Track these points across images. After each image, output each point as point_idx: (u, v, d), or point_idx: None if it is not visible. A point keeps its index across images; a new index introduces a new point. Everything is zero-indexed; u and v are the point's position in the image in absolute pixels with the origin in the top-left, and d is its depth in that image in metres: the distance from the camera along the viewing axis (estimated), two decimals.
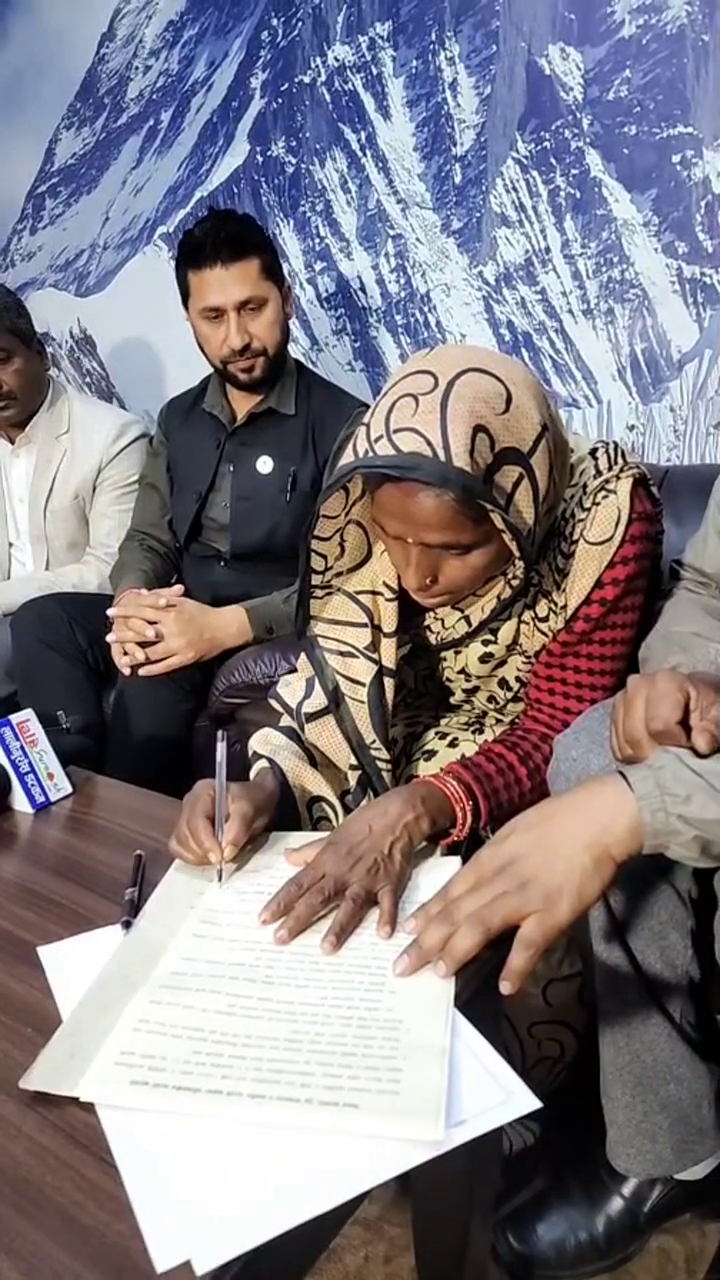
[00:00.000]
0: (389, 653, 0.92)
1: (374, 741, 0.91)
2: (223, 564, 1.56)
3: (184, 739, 1.40)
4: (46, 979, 0.68)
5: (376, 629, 0.92)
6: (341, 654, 0.93)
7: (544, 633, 0.90)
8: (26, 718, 0.96)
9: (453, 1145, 0.52)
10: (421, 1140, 0.51)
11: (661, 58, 1.46)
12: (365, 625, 0.92)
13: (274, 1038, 0.59)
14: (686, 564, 0.98)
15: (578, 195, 1.57)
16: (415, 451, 0.72)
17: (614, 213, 1.54)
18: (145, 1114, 0.54)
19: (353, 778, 0.93)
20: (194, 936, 0.71)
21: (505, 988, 0.63)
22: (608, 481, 0.84)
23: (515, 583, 0.85)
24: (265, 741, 0.93)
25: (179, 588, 1.47)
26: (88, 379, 2.44)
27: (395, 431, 0.73)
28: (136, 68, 2.13)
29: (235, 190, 2.01)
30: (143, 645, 1.36)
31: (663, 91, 1.46)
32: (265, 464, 1.51)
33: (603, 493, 0.84)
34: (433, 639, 0.97)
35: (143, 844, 0.86)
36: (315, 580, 0.91)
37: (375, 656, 0.92)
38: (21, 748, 0.94)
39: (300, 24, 1.83)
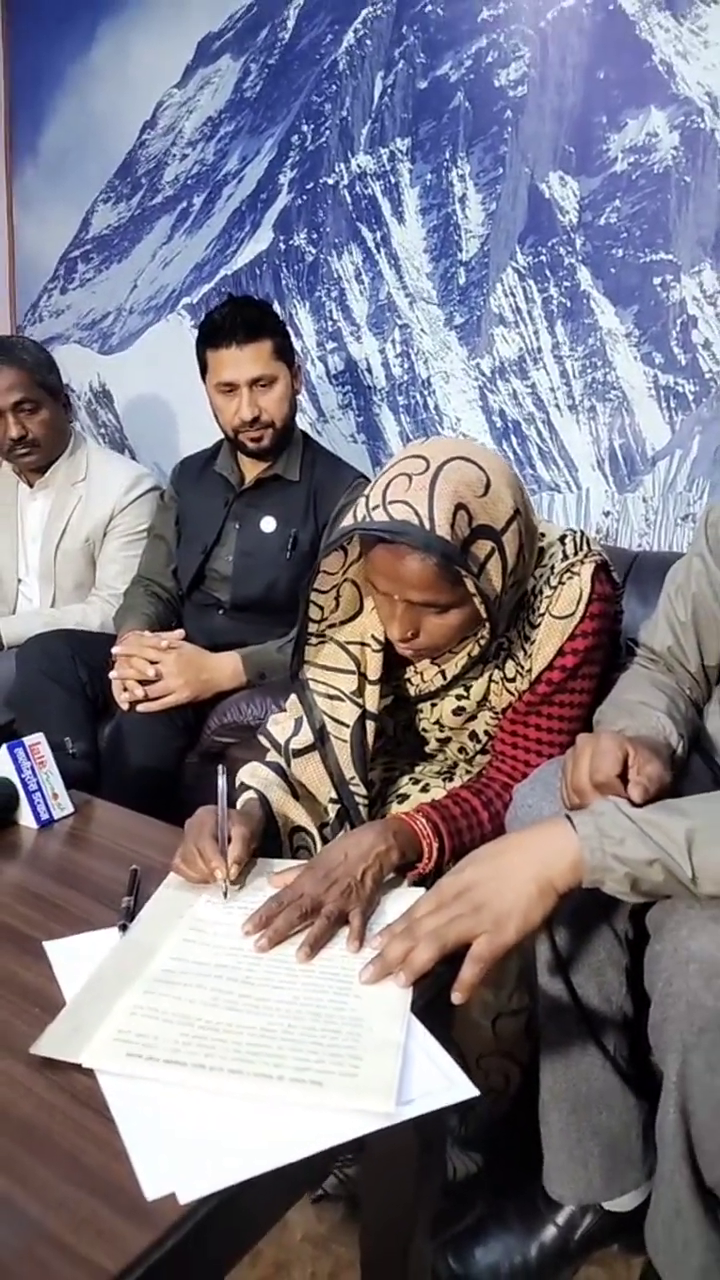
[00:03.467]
0: (372, 698, 1.03)
1: (353, 778, 1.02)
2: (222, 612, 1.67)
3: (175, 773, 1.49)
4: (51, 968, 0.76)
5: (362, 676, 1.03)
6: (330, 697, 1.04)
7: (511, 692, 1.02)
8: (38, 740, 1.06)
9: (402, 1119, 0.61)
10: (376, 1112, 0.61)
11: (649, 192, 1.65)
12: (353, 672, 1.03)
13: (251, 1026, 0.69)
14: (641, 643, 1.11)
15: (568, 305, 1.75)
16: (405, 520, 0.85)
17: (600, 323, 1.72)
18: (138, 1081, 0.63)
19: (332, 810, 1.03)
20: (184, 941, 0.80)
21: (456, 997, 0.72)
22: (573, 565, 0.97)
23: (483, 642, 0.97)
24: (253, 774, 1.03)
25: (180, 631, 1.58)
26: (103, 430, 2.58)
27: (390, 503, 0.86)
28: (174, 155, 2.33)
29: (258, 272, 2.19)
30: (143, 683, 1.47)
31: (648, 221, 1.65)
32: (269, 524, 1.64)
33: (569, 574, 0.97)
34: (412, 690, 1.08)
35: (137, 860, 0.95)
36: (311, 628, 1.03)
37: (360, 701, 1.03)
38: (32, 768, 1.04)
39: (328, 132, 2.03)
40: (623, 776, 0.80)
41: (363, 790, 1.02)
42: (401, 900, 0.86)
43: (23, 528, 1.91)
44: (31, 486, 1.90)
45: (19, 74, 2.60)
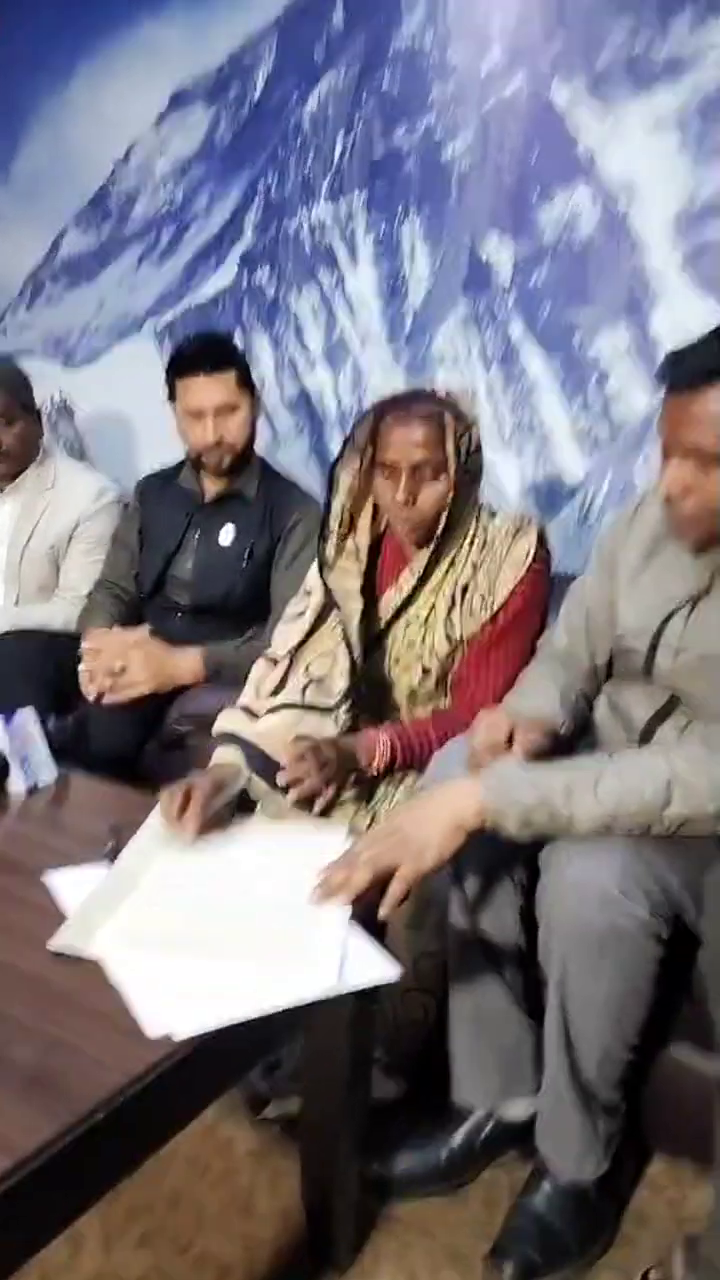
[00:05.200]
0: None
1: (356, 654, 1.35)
2: (181, 616, 1.85)
3: (133, 760, 1.66)
4: (49, 894, 0.94)
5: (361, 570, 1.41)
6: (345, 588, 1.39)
7: (476, 622, 1.34)
8: (27, 716, 1.22)
9: (344, 990, 0.81)
10: (323, 982, 0.80)
11: (572, 259, 1.91)
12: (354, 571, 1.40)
13: (225, 923, 0.88)
14: (543, 643, 1.34)
15: (501, 352, 2.00)
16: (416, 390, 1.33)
17: (528, 369, 1.97)
18: (134, 962, 0.81)
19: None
20: (167, 863, 0.98)
21: (383, 912, 0.92)
22: (523, 527, 1.36)
23: (446, 512, 1.30)
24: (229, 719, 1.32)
25: (145, 628, 1.76)
26: (62, 441, 2.74)
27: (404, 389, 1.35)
28: (145, 191, 2.53)
29: (221, 304, 2.39)
30: (110, 675, 1.63)
31: (571, 284, 1.91)
32: (227, 535, 1.83)
33: (520, 534, 1.35)
34: (395, 602, 1.39)
35: (114, 816, 1.12)
36: (332, 525, 1.38)
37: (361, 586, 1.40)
38: (21, 739, 1.20)
39: (291, 183, 2.26)
40: (510, 743, 1.03)
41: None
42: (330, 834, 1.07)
43: None
44: (1, 493, 2.05)
45: None
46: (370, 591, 1.43)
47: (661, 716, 1.16)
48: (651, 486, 1.26)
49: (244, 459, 1.84)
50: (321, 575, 1.40)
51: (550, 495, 1.98)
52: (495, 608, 1.33)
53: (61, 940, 0.84)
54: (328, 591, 1.38)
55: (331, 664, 1.37)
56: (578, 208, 1.89)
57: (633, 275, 1.83)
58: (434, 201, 2.06)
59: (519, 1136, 1.20)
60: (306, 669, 1.37)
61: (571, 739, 1.18)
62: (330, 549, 1.40)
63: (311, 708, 1.33)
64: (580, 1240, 1.09)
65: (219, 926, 0.87)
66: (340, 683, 1.35)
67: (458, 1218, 1.15)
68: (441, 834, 0.94)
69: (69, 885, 0.95)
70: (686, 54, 1.74)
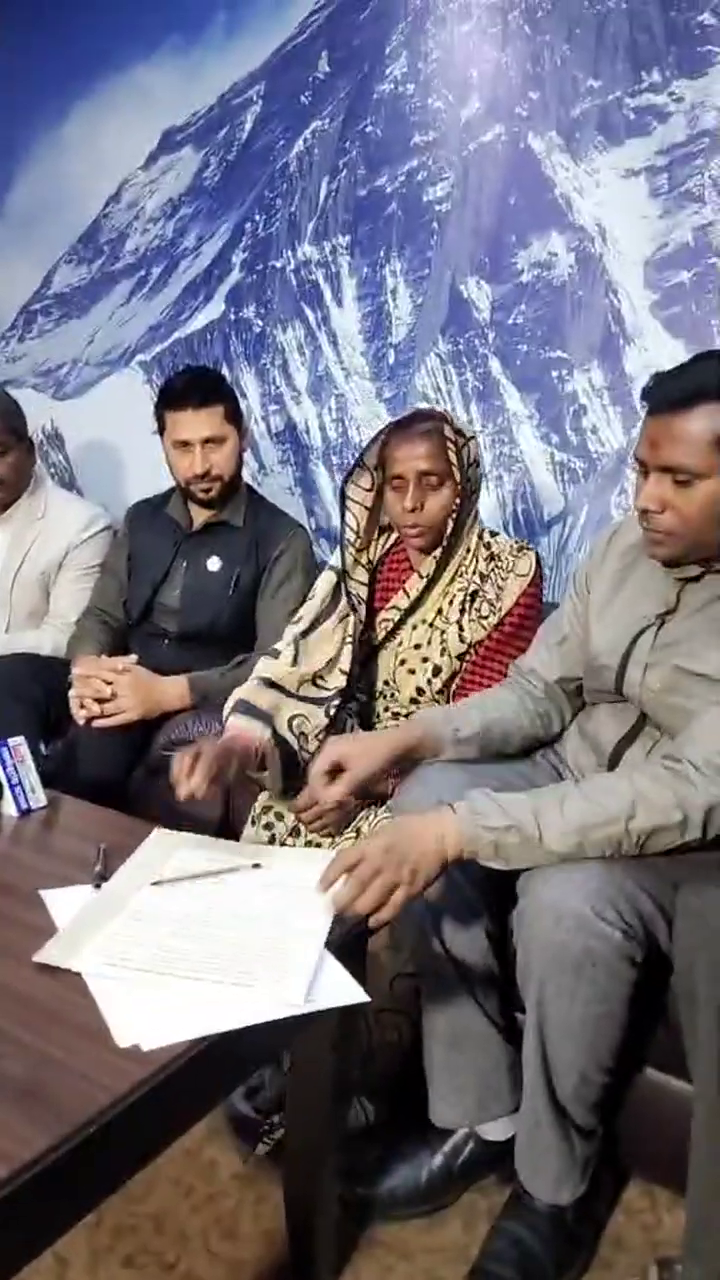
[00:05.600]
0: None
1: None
2: (168, 642, 1.89)
3: (121, 784, 1.68)
4: (43, 910, 0.97)
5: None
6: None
7: (484, 627, 1.46)
8: (20, 742, 1.25)
9: (310, 1010, 0.84)
10: (290, 1002, 0.83)
11: (548, 301, 1.98)
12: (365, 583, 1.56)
13: (203, 949, 0.91)
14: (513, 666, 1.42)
15: (481, 388, 2.06)
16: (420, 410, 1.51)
17: (507, 405, 2.03)
18: (113, 980, 0.84)
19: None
20: (152, 889, 1.01)
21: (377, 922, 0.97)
22: (524, 548, 1.52)
23: (453, 519, 1.45)
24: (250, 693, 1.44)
25: (133, 656, 1.79)
26: (52, 470, 2.79)
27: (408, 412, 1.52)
28: (136, 228, 2.60)
29: (209, 337, 2.45)
30: (99, 701, 1.67)
31: (547, 325, 1.98)
32: (214, 563, 1.88)
33: (522, 552, 1.51)
34: (401, 606, 1.51)
35: (102, 839, 1.15)
36: (350, 537, 1.52)
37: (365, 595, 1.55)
38: (14, 765, 1.23)
39: (278, 223, 2.33)
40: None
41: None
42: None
43: None
44: None
45: None
46: (369, 604, 1.57)
47: (629, 739, 1.21)
48: (625, 518, 1.32)
49: (231, 489, 1.89)
50: (344, 582, 1.54)
51: (529, 526, 2.04)
52: (502, 614, 1.47)
53: (46, 954, 0.87)
54: (348, 595, 1.52)
55: (330, 664, 1.51)
56: (554, 251, 1.97)
57: (607, 316, 1.90)
58: (416, 243, 2.14)
59: (498, 1159, 1.22)
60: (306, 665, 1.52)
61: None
62: (349, 558, 1.54)
63: (305, 699, 1.47)
64: (558, 1263, 1.11)
65: (196, 948, 0.89)
66: (336, 680, 1.49)
67: (437, 1241, 1.17)
68: (429, 860, 0.98)
69: (61, 903, 0.98)
70: (657, 106, 1.83)
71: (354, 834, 1.33)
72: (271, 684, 1.47)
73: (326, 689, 1.50)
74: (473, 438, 1.49)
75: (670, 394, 1.07)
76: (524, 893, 1.07)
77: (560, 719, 1.35)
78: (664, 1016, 1.12)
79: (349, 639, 1.51)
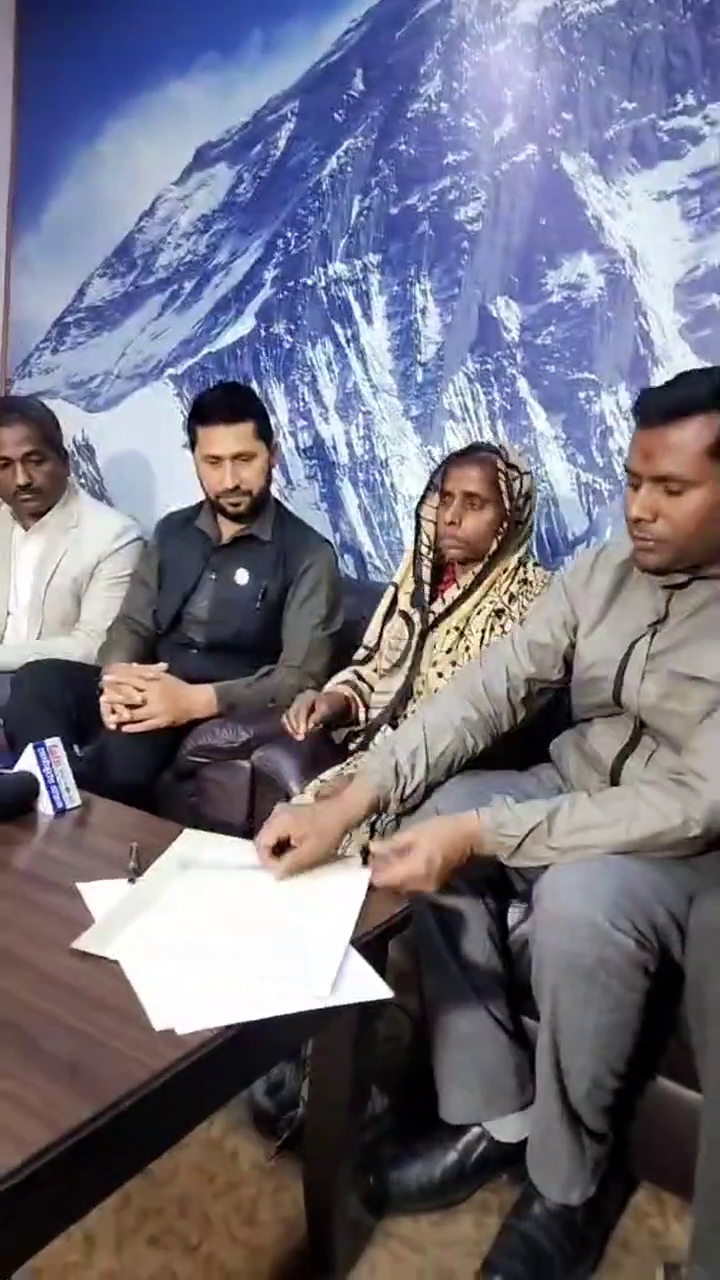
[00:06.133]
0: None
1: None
2: (196, 652, 1.98)
3: (149, 788, 1.77)
4: (79, 901, 1.05)
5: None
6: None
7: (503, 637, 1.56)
8: (56, 743, 1.34)
9: (336, 1004, 0.91)
10: (318, 994, 0.91)
11: (577, 322, 2.06)
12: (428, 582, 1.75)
13: (233, 942, 0.99)
14: None
15: (508, 408, 2.15)
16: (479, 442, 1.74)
17: (534, 425, 2.11)
18: (148, 965, 0.93)
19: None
20: (185, 885, 1.09)
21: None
22: (553, 571, 1.69)
23: (495, 546, 1.65)
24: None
25: (163, 665, 1.88)
26: (83, 480, 2.90)
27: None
28: (169, 243, 2.71)
29: (239, 353, 2.56)
30: (129, 707, 1.76)
31: (576, 346, 2.06)
32: (242, 576, 1.97)
33: (549, 574, 1.67)
34: (437, 610, 1.69)
35: (135, 838, 1.23)
36: (423, 549, 1.73)
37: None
38: (51, 765, 1.32)
39: (310, 240, 2.44)
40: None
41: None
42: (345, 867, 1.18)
43: (15, 566, 2.21)
44: (27, 529, 2.20)
45: (26, 154, 2.98)
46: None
47: (627, 751, 1.30)
48: (613, 540, 1.42)
49: (260, 504, 1.98)
50: (418, 589, 1.75)
51: (554, 545, 2.11)
52: None
53: (84, 942, 0.95)
54: (419, 600, 1.74)
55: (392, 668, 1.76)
56: (584, 273, 2.05)
57: (635, 338, 1.98)
58: (446, 263, 2.23)
59: (510, 1159, 1.29)
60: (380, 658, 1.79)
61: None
62: (423, 568, 1.74)
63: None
64: (567, 1262, 1.18)
65: (225, 941, 0.97)
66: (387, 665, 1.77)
67: (449, 1235, 1.24)
68: (455, 867, 1.10)
69: (96, 895, 1.07)
70: (691, 129, 1.90)
71: (378, 834, 1.41)
72: (360, 675, 1.81)
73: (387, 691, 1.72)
74: (527, 473, 1.69)
75: (663, 406, 1.16)
76: (539, 901, 1.15)
77: (512, 718, 1.42)
78: (676, 1026, 1.19)
79: (395, 640, 1.74)
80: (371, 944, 1.05)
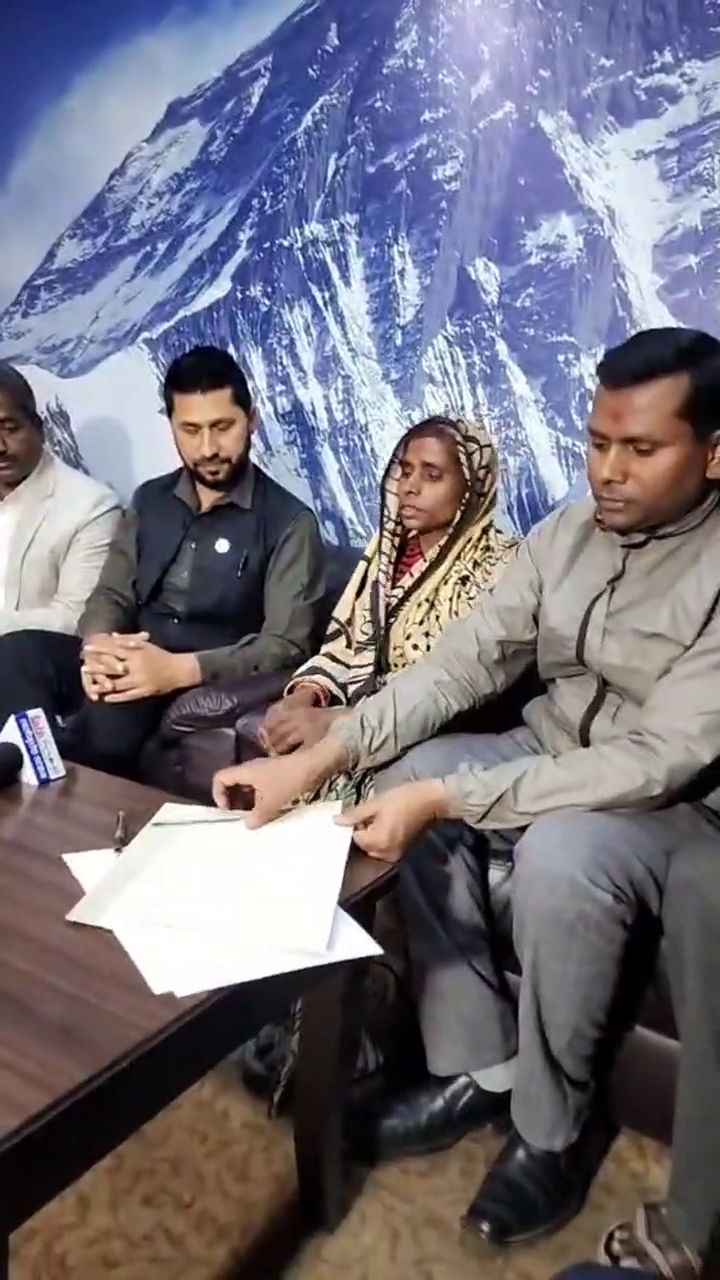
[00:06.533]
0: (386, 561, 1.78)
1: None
2: (177, 622, 1.98)
3: (134, 758, 1.78)
4: (68, 872, 1.06)
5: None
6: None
7: (470, 607, 1.61)
8: (39, 714, 1.35)
9: (329, 960, 0.93)
10: (312, 951, 0.93)
11: (556, 284, 2.05)
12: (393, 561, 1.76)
13: (224, 907, 1.00)
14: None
15: (488, 371, 2.14)
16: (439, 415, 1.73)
17: (513, 389, 2.11)
18: (143, 932, 0.94)
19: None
20: (173, 852, 1.11)
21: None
22: (515, 543, 1.69)
23: (457, 518, 1.66)
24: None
25: (144, 634, 1.88)
26: (58, 448, 2.87)
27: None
28: (141, 203, 2.66)
29: (215, 316, 2.53)
30: (111, 677, 1.76)
31: (555, 308, 2.05)
32: (223, 545, 1.96)
33: (513, 546, 1.69)
34: (405, 585, 1.71)
35: (120, 807, 1.24)
36: (387, 523, 1.74)
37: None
38: (33, 735, 1.33)
39: (285, 200, 2.40)
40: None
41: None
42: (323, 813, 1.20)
43: None
44: (2, 499, 2.17)
45: None
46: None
47: (593, 710, 1.34)
48: (574, 506, 1.46)
49: (238, 472, 1.97)
50: (374, 562, 1.77)
51: (533, 509, 2.12)
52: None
53: (78, 913, 0.97)
54: (380, 572, 1.75)
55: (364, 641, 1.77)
56: (562, 234, 2.04)
57: (614, 300, 1.97)
58: (424, 224, 2.20)
59: (495, 1108, 1.33)
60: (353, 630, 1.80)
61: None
62: (386, 541, 1.76)
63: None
64: (551, 1204, 1.22)
65: (219, 902, 0.99)
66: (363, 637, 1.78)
67: (437, 1185, 1.28)
68: (420, 828, 1.13)
69: (84, 866, 1.08)
70: (668, 87, 1.88)
71: (314, 796, 1.43)
72: (332, 657, 1.81)
73: (363, 665, 1.72)
74: (488, 445, 1.69)
75: (631, 368, 1.18)
76: (519, 859, 1.17)
77: (490, 681, 1.46)
78: (654, 978, 1.23)
79: (367, 613, 1.76)
80: (359, 904, 1.08)
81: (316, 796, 1.41)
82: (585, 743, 1.35)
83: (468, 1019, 1.29)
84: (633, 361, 1.18)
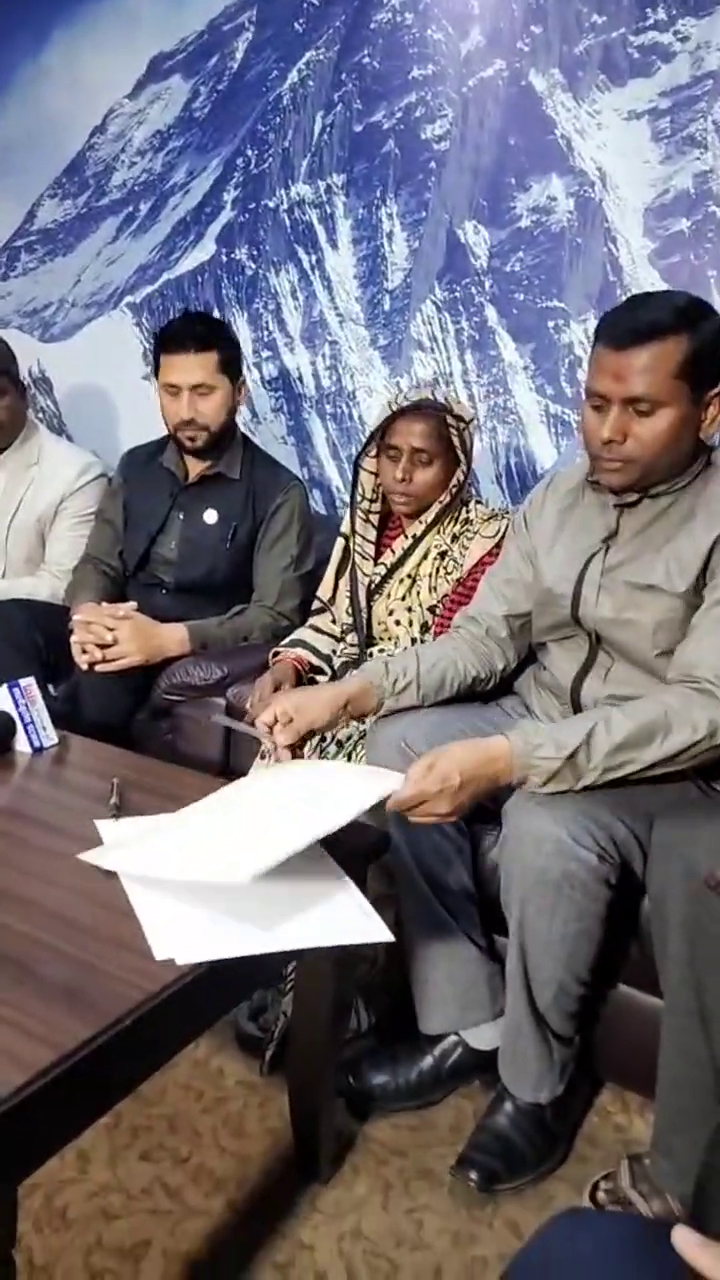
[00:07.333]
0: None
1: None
2: (165, 592, 1.99)
3: (125, 727, 1.80)
4: (69, 838, 1.09)
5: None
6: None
7: (448, 582, 1.66)
8: (31, 682, 1.36)
9: (335, 943, 0.96)
10: (319, 937, 0.96)
11: (547, 248, 2.05)
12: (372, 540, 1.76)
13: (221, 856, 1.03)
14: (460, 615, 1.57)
15: (476, 337, 2.14)
16: (425, 398, 1.64)
17: (502, 355, 2.11)
18: (151, 893, 0.97)
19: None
20: (195, 815, 1.12)
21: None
22: (496, 514, 1.71)
23: (445, 500, 1.67)
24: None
25: (133, 603, 1.89)
26: (41, 415, 2.84)
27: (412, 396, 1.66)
28: (123, 161, 2.62)
29: (200, 280, 2.50)
30: (100, 647, 1.77)
31: (545, 273, 2.05)
32: (211, 516, 1.97)
33: (493, 517, 1.70)
34: (388, 562, 1.71)
35: (113, 774, 1.26)
36: (361, 502, 1.73)
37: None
38: (26, 704, 1.34)
39: (271, 159, 2.37)
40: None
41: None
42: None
43: None
44: None
45: None
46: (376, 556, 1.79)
47: (584, 672, 1.37)
48: (561, 473, 1.50)
49: (221, 440, 1.97)
50: (349, 541, 1.77)
51: (521, 478, 2.13)
52: (464, 571, 1.66)
53: (90, 856, 1.02)
54: (355, 551, 1.75)
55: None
56: (553, 196, 2.03)
57: (605, 265, 1.97)
58: (413, 185, 2.19)
59: (483, 1065, 1.37)
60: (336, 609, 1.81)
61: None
62: (360, 519, 1.75)
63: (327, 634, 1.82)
64: (538, 1155, 1.27)
65: (213, 852, 1.01)
66: (348, 619, 1.77)
67: (427, 1139, 1.33)
68: (482, 796, 1.15)
69: (112, 829, 1.12)
70: (661, 45, 1.87)
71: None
72: (315, 628, 1.82)
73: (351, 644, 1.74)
74: (471, 419, 1.69)
75: (634, 328, 1.20)
76: (507, 820, 1.21)
77: (503, 655, 1.49)
78: (637, 937, 1.27)
79: (348, 592, 1.75)
80: (347, 865, 1.10)
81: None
82: (576, 706, 1.38)
83: (457, 980, 1.34)
84: (635, 322, 1.21)
